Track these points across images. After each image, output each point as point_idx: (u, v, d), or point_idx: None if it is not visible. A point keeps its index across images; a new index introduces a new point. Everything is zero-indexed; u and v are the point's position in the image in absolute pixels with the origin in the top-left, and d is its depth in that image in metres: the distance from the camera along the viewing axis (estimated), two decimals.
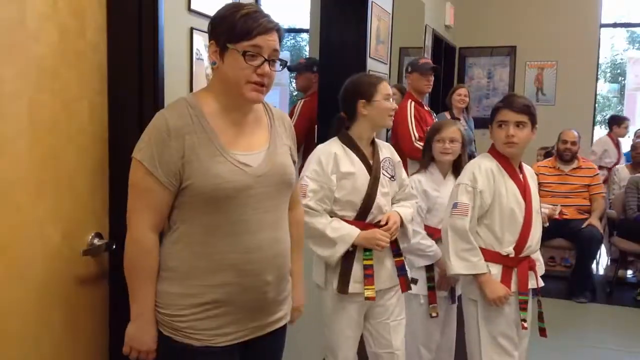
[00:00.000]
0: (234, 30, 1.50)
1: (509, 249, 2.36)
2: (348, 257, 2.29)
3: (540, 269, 2.51)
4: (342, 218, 2.31)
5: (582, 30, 6.95)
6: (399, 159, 2.52)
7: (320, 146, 2.40)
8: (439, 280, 2.81)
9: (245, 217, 1.55)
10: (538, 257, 2.51)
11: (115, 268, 1.81)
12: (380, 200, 2.33)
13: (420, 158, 3.79)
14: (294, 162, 1.74)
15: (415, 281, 2.65)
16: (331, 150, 2.33)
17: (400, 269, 2.39)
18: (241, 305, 1.57)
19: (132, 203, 1.54)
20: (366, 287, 2.27)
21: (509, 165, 2.40)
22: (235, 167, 1.54)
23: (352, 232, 2.26)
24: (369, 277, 2.28)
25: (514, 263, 2.37)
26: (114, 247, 1.77)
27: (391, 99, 2.40)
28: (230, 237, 1.53)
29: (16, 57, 1.45)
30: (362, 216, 2.32)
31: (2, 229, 1.43)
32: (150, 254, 1.54)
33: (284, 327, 1.76)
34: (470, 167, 2.44)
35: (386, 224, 2.30)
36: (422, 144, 3.93)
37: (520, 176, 2.43)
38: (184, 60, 1.95)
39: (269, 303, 1.63)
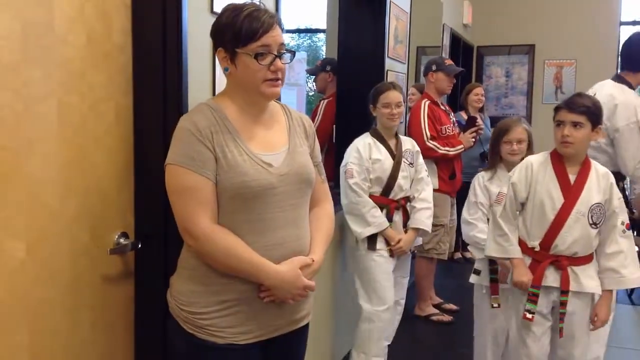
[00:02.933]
0: (239, 34, 1.52)
1: (534, 243, 2.42)
2: None
3: (615, 282, 2.40)
4: (371, 194, 2.97)
5: (602, 29, 6.87)
6: (418, 149, 3.22)
7: (356, 140, 3.08)
8: (499, 273, 2.86)
9: (269, 215, 1.57)
10: (613, 267, 2.39)
11: (141, 267, 1.84)
12: (400, 181, 3.02)
13: (432, 157, 3.86)
14: (315, 162, 1.76)
15: (478, 272, 2.81)
16: (366, 141, 3.04)
17: None
18: (262, 303, 1.59)
19: (182, 207, 1.52)
20: (388, 246, 2.99)
21: (560, 163, 2.41)
22: (260, 166, 1.56)
23: (385, 224, 2.97)
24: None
25: (540, 257, 2.41)
26: (140, 246, 1.79)
27: (392, 106, 2.99)
28: (252, 235, 1.55)
29: (45, 60, 1.48)
30: (387, 192, 3.01)
31: (33, 229, 1.46)
32: (230, 237, 1.53)
33: (306, 327, 1.77)
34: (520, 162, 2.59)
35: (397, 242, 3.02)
36: (434, 143, 3.95)
37: (573, 177, 2.38)
38: (206, 62, 1.97)
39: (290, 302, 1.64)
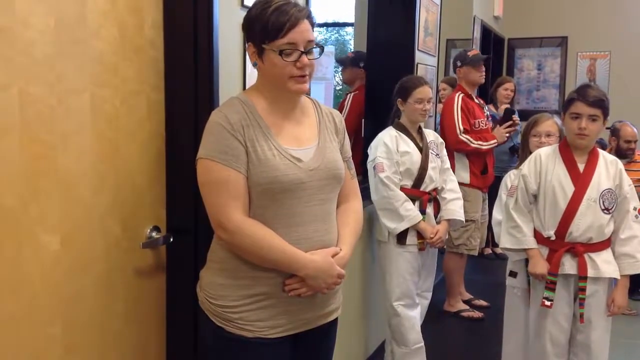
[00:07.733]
0: (267, 29, 1.51)
1: (549, 232, 2.48)
2: None
3: (631, 266, 2.44)
4: (403, 187, 2.95)
5: (637, 20, 6.71)
6: (442, 140, 3.22)
7: (380, 134, 3.05)
8: None
9: (298, 210, 1.56)
10: (628, 252, 2.44)
11: (172, 261, 1.84)
12: (430, 172, 3.01)
13: (464, 150, 3.80)
14: (345, 157, 1.75)
15: (514, 274, 2.77)
16: (392, 134, 3.01)
17: None
18: (291, 298, 1.58)
19: (214, 201, 1.52)
20: (419, 241, 2.98)
21: (568, 153, 2.48)
22: (289, 161, 1.55)
23: (418, 217, 2.94)
24: (419, 234, 3.00)
25: (556, 246, 2.46)
26: (171, 240, 1.80)
27: (425, 102, 2.96)
28: (281, 229, 1.55)
29: (78, 54, 1.49)
30: (418, 185, 2.99)
31: (67, 223, 1.48)
32: (262, 229, 1.53)
33: (334, 322, 1.76)
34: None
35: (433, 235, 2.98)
36: (467, 136, 3.89)
37: (582, 165, 2.45)
38: (237, 56, 1.96)
39: (319, 296, 1.63)
